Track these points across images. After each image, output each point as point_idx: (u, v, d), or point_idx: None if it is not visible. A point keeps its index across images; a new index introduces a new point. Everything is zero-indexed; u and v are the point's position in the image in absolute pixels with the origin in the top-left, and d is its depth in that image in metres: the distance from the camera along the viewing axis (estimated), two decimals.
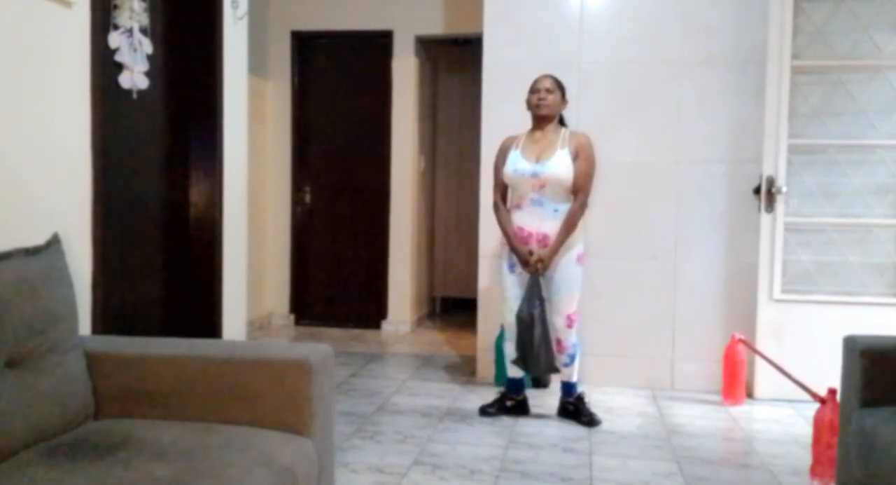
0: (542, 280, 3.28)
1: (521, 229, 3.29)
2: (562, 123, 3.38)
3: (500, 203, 3.37)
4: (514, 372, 3.44)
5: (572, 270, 3.28)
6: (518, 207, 3.31)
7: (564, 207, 3.24)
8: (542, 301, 3.22)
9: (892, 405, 2.11)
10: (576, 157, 3.22)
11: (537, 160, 3.23)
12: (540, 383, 3.91)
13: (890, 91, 3.68)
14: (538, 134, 3.31)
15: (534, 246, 3.27)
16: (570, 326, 3.31)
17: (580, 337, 3.60)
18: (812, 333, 3.65)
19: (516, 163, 3.26)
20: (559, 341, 3.35)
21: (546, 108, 3.26)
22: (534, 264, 3.23)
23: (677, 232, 3.94)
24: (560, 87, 3.31)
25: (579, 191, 3.23)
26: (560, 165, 3.19)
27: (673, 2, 3.91)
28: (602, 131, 3.88)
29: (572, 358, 3.35)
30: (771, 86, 3.64)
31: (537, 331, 3.20)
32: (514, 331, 3.35)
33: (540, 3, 4.01)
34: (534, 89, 3.30)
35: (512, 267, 3.34)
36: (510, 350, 3.40)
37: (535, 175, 3.21)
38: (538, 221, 3.25)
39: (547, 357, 3.24)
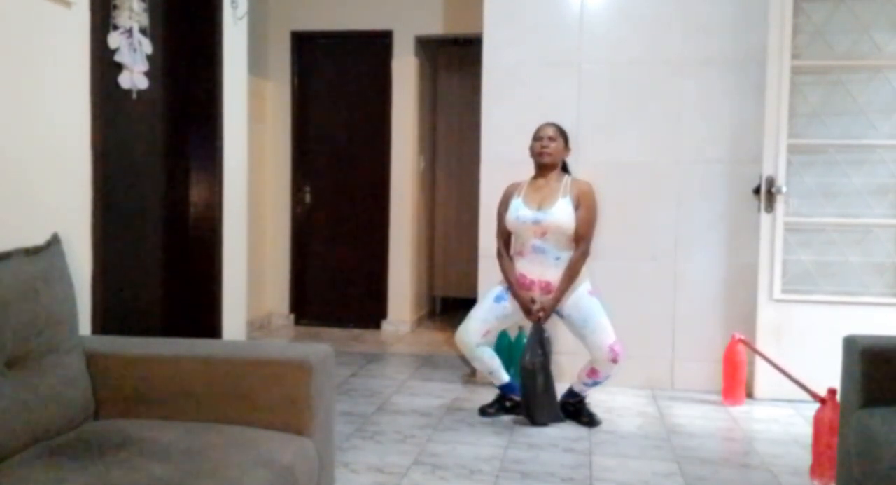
0: (564, 322, 3.30)
1: (524, 277, 3.28)
2: (565, 169, 3.40)
3: (503, 250, 3.37)
4: (498, 380, 3.39)
5: (587, 301, 3.24)
6: (520, 254, 3.31)
7: (566, 255, 3.24)
8: (544, 350, 3.19)
9: (892, 405, 2.11)
10: (577, 205, 3.23)
11: (539, 208, 3.23)
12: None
13: (890, 91, 3.67)
14: (541, 181, 3.32)
15: (536, 294, 3.27)
16: (614, 360, 3.16)
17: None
18: (812, 333, 3.65)
19: (518, 210, 3.27)
20: (594, 370, 3.24)
21: (549, 157, 3.27)
22: (536, 313, 3.23)
23: (677, 232, 3.93)
24: (563, 134, 3.34)
25: (581, 239, 3.23)
26: (562, 213, 3.19)
27: (673, 2, 3.90)
28: (602, 131, 3.89)
29: (596, 384, 3.30)
30: (771, 86, 3.64)
31: (539, 381, 3.19)
32: (474, 356, 3.32)
33: (540, 3, 4.01)
34: (537, 137, 3.32)
35: (498, 299, 3.32)
36: (480, 367, 3.38)
37: (536, 222, 3.21)
38: (540, 269, 3.25)
39: (550, 408, 3.24)
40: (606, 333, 3.18)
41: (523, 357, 3.20)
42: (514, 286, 3.29)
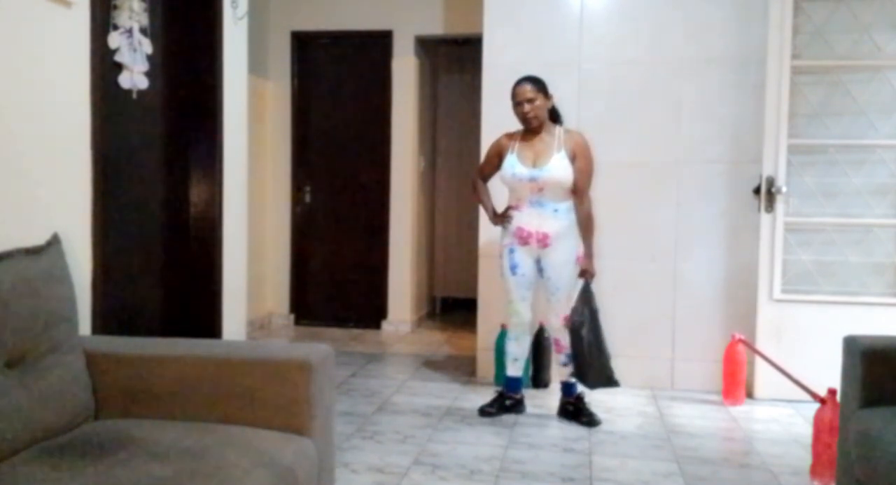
0: (542, 281, 3.32)
1: (521, 230, 3.30)
2: (555, 118, 3.35)
3: (477, 178, 3.51)
4: (514, 371, 3.45)
5: (570, 271, 3.29)
6: (517, 208, 3.33)
7: (564, 206, 3.26)
8: (591, 310, 3.22)
9: (892, 405, 2.11)
10: (573, 158, 3.22)
11: (534, 165, 3.23)
12: (540, 382, 3.91)
13: (890, 91, 3.67)
14: (532, 137, 3.30)
15: (534, 245, 3.28)
16: (564, 325, 3.32)
17: None
18: (812, 333, 3.65)
19: (514, 168, 3.26)
20: (557, 341, 3.39)
21: (535, 120, 3.24)
22: (585, 278, 3.28)
23: (677, 232, 3.93)
24: (541, 88, 3.23)
25: (582, 192, 3.25)
26: (559, 169, 3.20)
27: (673, 2, 3.91)
28: (602, 131, 3.88)
29: (570, 357, 3.36)
30: (771, 86, 3.64)
31: (584, 340, 3.21)
32: (520, 332, 3.42)
33: (540, 3, 4.01)
34: (516, 102, 3.25)
35: (513, 269, 3.34)
36: (513, 349, 3.44)
37: (533, 180, 3.22)
38: (538, 221, 3.26)
39: (600, 371, 3.23)
40: (568, 305, 3.29)
41: (571, 319, 3.26)
42: (491, 210, 3.45)
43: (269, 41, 5.44)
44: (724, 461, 2.91)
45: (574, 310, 3.25)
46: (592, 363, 3.22)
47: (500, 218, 3.39)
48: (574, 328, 3.23)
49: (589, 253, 3.28)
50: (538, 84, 3.24)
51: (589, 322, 3.21)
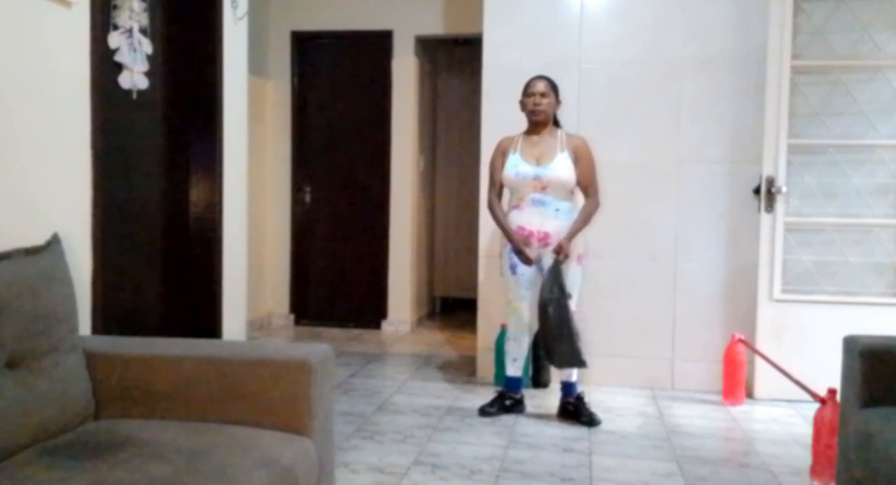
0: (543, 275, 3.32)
1: (522, 229, 3.30)
2: (556, 123, 3.39)
3: (495, 202, 3.38)
4: (514, 371, 3.45)
5: (573, 269, 3.29)
6: (518, 208, 3.33)
7: (565, 205, 3.27)
8: (561, 288, 3.17)
9: (892, 405, 2.11)
10: (576, 160, 3.26)
11: (538, 163, 3.25)
12: (540, 382, 3.91)
13: (890, 91, 3.67)
14: (535, 137, 3.32)
15: (535, 245, 3.28)
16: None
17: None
18: (812, 333, 3.65)
19: (517, 166, 3.28)
20: None
21: (542, 114, 3.27)
22: (556, 252, 3.21)
23: (677, 232, 3.93)
24: (554, 88, 3.32)
25: (589, 189, 3.29)
26: (562, 169, 3.23)
27: (673, 2, 3.91)
28: (602, 131, 3.88)
29: None
30: (771, 86, 3.64)
31: (553, 317, 3.16)
32: (519, 332, 3.41)
33: (540, 3, 4.01)
34: (528, 93, 3.31)
35: (513, 268, 3.34)
36: (513, 349, 3.43)
37: (537, 178, 3.24)
38: (539, 220, 3.27)
39: (569, 351, 3.18)
40: (571, 304, 3.25)
41: (540, 296, 3.21)
42: (512, 236, 3.28)
43: (269, 41, 5.44)
44: (724, 461, 2.91)
45: (542, 287, 3.21)
46: (559, 342, 3.18)
47: (522, 254, 3.27)
48: (542, 305, 3.18)
49: (571, 235, 3.23)
50: (553, 84, 3.33)
51: (556, 300, 3.16)
